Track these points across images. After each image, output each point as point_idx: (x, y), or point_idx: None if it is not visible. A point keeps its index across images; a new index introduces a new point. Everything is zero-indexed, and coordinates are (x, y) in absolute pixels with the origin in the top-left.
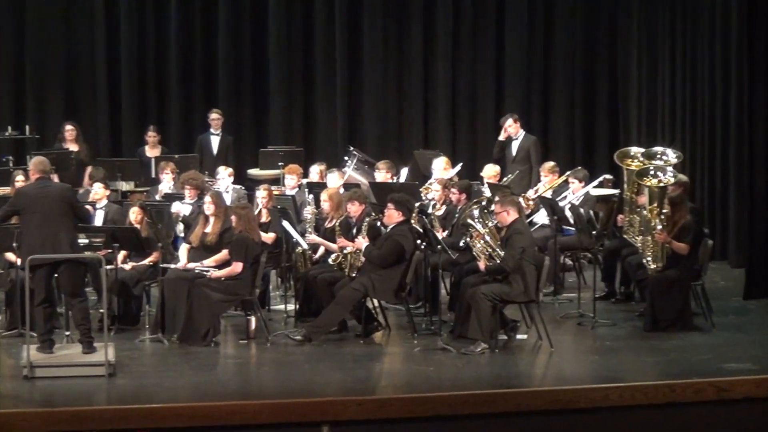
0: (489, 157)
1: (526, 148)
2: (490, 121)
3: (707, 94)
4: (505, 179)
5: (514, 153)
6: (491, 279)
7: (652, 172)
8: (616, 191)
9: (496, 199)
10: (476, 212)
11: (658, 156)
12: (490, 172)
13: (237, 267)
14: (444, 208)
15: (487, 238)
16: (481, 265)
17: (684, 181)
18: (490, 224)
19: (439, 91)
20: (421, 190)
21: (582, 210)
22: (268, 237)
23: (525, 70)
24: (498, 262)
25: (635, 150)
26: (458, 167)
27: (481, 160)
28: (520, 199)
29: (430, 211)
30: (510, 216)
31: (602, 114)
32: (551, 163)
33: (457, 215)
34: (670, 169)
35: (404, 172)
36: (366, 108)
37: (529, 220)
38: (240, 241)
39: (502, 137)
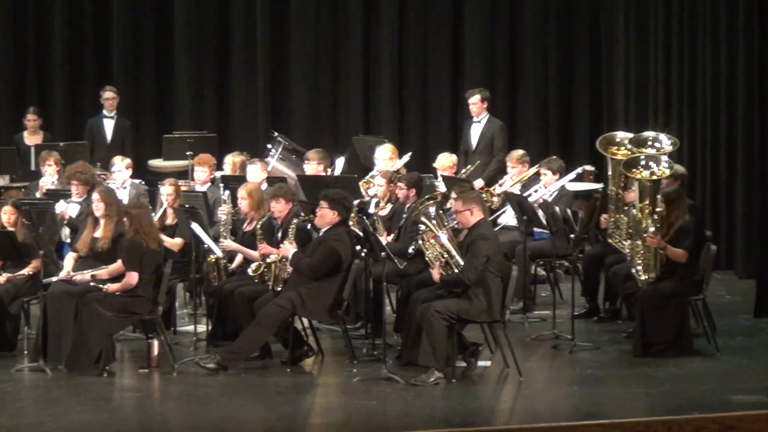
0: (443, 144)
1: (490, 135)
2: (445, 101)
3: (709, 68)
4: (463, 171)
5: (474, 140)
6: (446, 293)
7: (642, 163)
8: (598, 186)
9: (453, 195)
10: (432, 210)
11: (650, 143)
12: (445, 162)
13: (131, 278)
14: (389, 206)
15: (444, 240)
16: (435, 273)
17: (681, 173)
18: (447, 225)
19: (383, 66)
20: (360, 184)
21: (557, 208)
22: (174, 243)
23: (488, 39)
24: (456, 271)
25: (622, 135)
26: (406, 157)
27: (433, 149)
28: (483, 195)
29: (372, 210)
30: (474, 216)
31: (581, 93)
32: (520, 152)
33: (405, 215)
34: (664, 158)
35: (340, 162)
36: (293, 85)
37: (491, 219)
38: (132, 247)
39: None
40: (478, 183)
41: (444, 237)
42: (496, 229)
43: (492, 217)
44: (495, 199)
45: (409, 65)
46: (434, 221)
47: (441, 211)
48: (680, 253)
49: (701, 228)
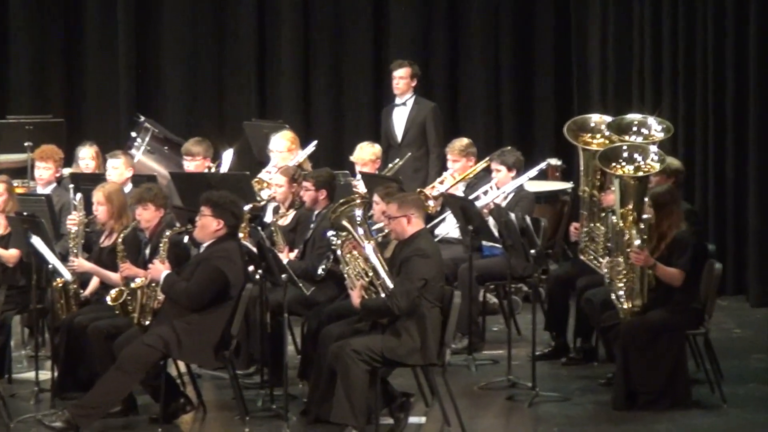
0: (362, 131)
1: (420, 121)
2: (364, 76)
3: (711, 32)
4: (390, 166)
5: (400, 129)
6: (369, 326)
7: (624, 155)
8: (567, 185)
9: (376, 198)
10: (359, 213)
11: (635, 128)
12: (365, 155)
13: None
14: (292, 213)
15: (370, 253)
16: (355, 296)
17: (676, 168)
18: (372, 237)
19: (284, 30)
20: (254, 184)
21: (513, 215)
22: (9, 255)
23: None
24: (382, 296)
25: (597, 119)
26: (310, 147)
27: (350, 137)
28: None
29: (269, 218)
30: (412, 225)
31: (544, 64)
32: (464, 141)
33: (312, 225)
34: (653, 149)
35: (228, 156)
36: (165, 56)
37: None
38: None
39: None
40: (431, 190)
41: (370, 249)
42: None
43: (428, 227)
44: (431, 203)
45: (317, 28)
46: (360, 227)
47: (369, 216)
48: (675, 273)
49: (702, 241)
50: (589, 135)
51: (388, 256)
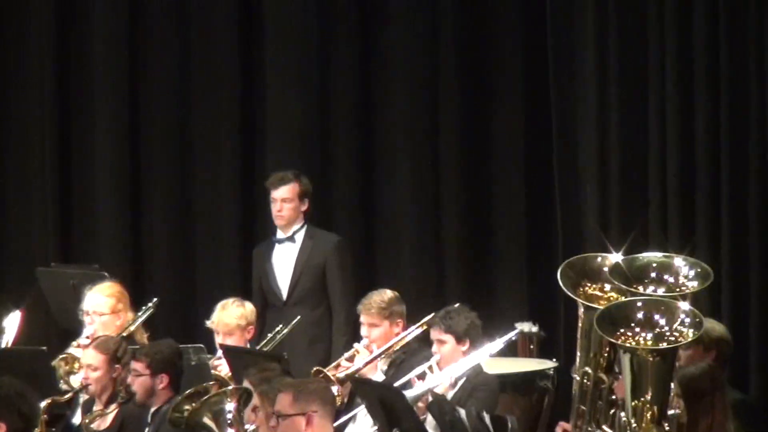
0: (225, 281)
1: (317, 265)
2: (227, 191)
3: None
4: (270, 336)
5: (285, 279)
6: None
7: (639, 316)
8: (548, 364)
9: (250, 383)
10: (230, 407)
11: (653, 274)
12: (230, 318)
13: None
14: (114, 411)
15: None
16: None
17: (717, 336)
18: None
19: (100, 85)
20: (56, 365)
21: (463, 413)
22: None
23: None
24: None
25: (606, 260)
26: (150, 307)
27: (206, 290)
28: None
29: (76, 419)
30: (313, 428)
31: (510, 158)
32: (387, 295)
33: (148, 430)
34: (683, 307)
35: (13, 321)
36: None
37: None
38: None
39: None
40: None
41: None
42: None
43: None
44: (334, 389)
45: (144, 106)
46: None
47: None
48: None
49: None
50: (597, 286)
51: None
